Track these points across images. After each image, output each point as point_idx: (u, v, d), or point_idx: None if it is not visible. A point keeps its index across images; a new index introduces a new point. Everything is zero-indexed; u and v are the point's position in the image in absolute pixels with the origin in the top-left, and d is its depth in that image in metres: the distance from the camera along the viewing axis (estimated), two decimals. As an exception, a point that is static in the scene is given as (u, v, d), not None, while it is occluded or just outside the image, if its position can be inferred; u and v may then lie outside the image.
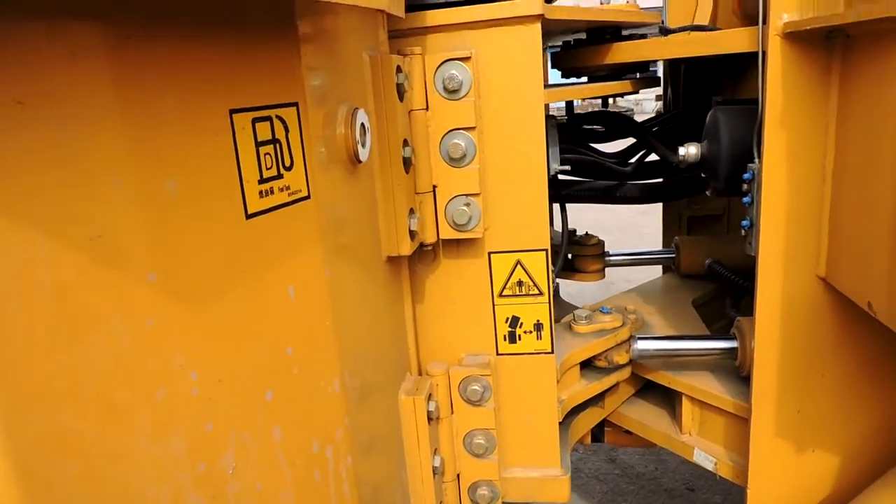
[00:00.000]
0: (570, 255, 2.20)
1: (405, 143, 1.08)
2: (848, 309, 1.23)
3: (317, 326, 0.83)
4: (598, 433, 2.02)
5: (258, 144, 0.71)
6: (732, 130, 1.37)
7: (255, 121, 0.70)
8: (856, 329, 1.28)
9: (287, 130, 0.75)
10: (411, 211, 1.12)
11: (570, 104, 1.98)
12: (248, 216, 0.70)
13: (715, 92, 1.98)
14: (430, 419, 1.20)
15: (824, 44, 1.13)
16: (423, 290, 1.30)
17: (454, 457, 1.31)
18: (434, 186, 1.17)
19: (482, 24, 1.14)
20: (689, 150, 1.48)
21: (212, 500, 0.66)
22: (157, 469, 0.60)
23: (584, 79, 1.81)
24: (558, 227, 1.82)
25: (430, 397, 1.21)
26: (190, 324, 0.63)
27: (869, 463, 1.38)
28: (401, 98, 1.06)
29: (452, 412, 1.29)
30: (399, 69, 1.04)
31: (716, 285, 2.11)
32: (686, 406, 1.59)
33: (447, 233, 1.19)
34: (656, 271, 2.47)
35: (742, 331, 1.44)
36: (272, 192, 0.73)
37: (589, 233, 2.20)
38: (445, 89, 1.13)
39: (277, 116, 0.74)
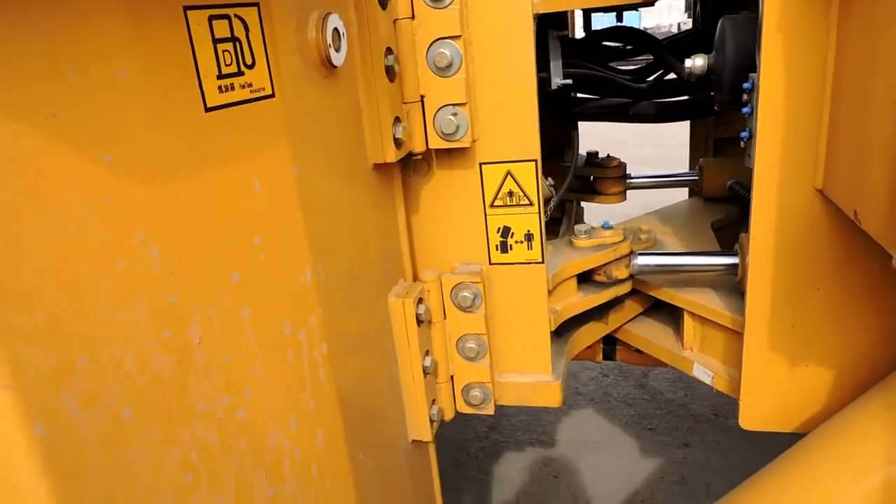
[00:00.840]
0: (591, 178, 2.20)
1: (388, 51, 1.11)
2: (845, 223, 1.21)
3: (285, 219, 0.89)
4: (609, 351, 2.07)
5: (215, 41, 0.75)
6: (737, 39, 1.33)
7: (211, 18, 0.75)
8: (853, 243, 1.26)
9: (247, 30, 0.80)
10: (397, 119, 1.15)
11: (588, 22, 1.94)
12: (208, 109, 0.75)
13: (742, 7, 1.90)
14: (419, 322, 1.27)
15: (827, -59, 1.08)
16: (418, 200, 1.34)
17: (447, 360, 1.38)
18: (422, 96, 1.19)
19: (468, -72, 1.13)
20: (696, 62, 1.45)
21: (178, 364, 0.75)
22: (122, 331, 0.68)
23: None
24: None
25: (420, 301, 1.27)
26: (149, 203, 0.70)
27: (863, 378, 1.37)
28: (383, 6, 1.08)
29: (445, 317, 1.35)
30: (381, -24, 1.06)
31: (738, 208, 2.07)
32: (688, 322, 1.61)
33: (436, 142, 1.22)
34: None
35: (743, 246, 1.44)
36: (232, 88, 0.78)
37: (610, 154, 2.18)
38: (432, -2, 1.14)
39: (236, 16, 0.78)
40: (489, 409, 1.42)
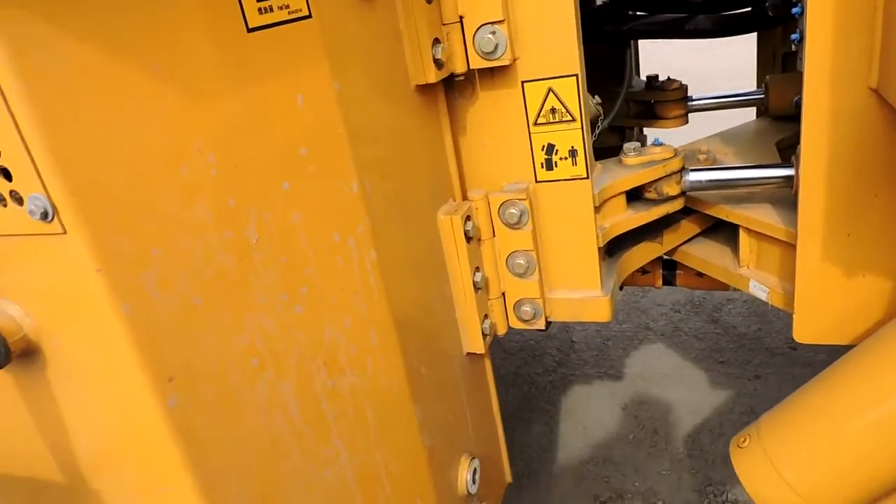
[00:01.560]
0: (652, 102, 2.17)
1: (422, -25, 1.15)
2: (903, 121, 1.17)
3: (329, 133, 0.97)
4: (669, 277, 2.07)
5: (255, -37, 0.83)
6: (789, -63, 1.28)
7: (248, -57, 0.82)
8: (915, 144, 1.22)
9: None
10: (436, 41, 1.20)
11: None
12: (250, 30, 0.83)
13: None
14: (468, 238, 1.33)
15: None
16: (465, 122, 1.39)
17: (498, 276, 1.44)
18: (461, 16, 1.23)
19: None
20: (748, -33, 1.40)
21: (239, 261, 0.85)
22: (189, 228, 0.79)
23: None
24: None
25: (468, 219, 1.34)
26: (203, 115, 0.79)
27: (925, 286, 1.34)
28: (417, -73, 1.12)
29: (494, 235, 1.41)
30: None
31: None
32: (743, 238, 1.60)
33: (477, 62, 1.26)
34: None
35: (799, 156, 1.41)
36: (271, 10, 0.85)
37: (671, 77, 2.14)
38: (467, -83, 1.16)
39: (271, -61, 0.85)
40: (540, 325, 1.48)
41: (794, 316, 1.45)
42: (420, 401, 1.22)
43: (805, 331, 1.45)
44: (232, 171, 0.83)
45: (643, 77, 2.17)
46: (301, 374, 0.96)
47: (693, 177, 1.55)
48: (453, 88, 1.36)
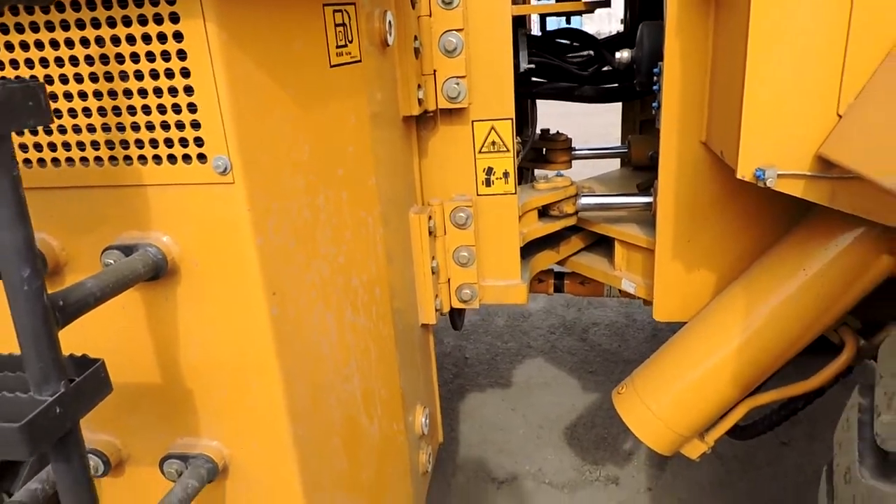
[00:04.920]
0: (543, 150, 2.75)
1: (415, 37, 1.62)
2: (720, 165, 1.79)
3: (363, 141, 1.39)
4: (559, 285, 2.62)
5: (336, 25, 1.25)
6: (650, 38, 1.90)
7: (333, 11, 1.24)
8: (728, 179, 1.83)
9: (349, 18, 1.29)
10: (419, 86, 1.66)
11: (543, 23, 2.49)
12: (331, 66, 1.25)
13: (660, 16, 2.48)
14: (430, 233, 1.78)
15: (705, -24, 1.64)
16: (427, 148, 1.85)
17: (446, 266, 1.89)
18: (434, 70, 1.70)
19: (469, -43, 1.65)
20: (623, 55, 2.02)
21: (314, 219, 1.24)
22: (292, 193, 1.17)
23: (552, 0, 2.32)
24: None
25: (430, 218, 1.78)
26: (305, 119, 1.19)
27: (738, 276, 1.96)
28: (413, 6, 1.59)
29: (445, 233, 1.86)
30: (412, -13, 1.57)
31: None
32: (618, 248, 2.17)
33: (443, 103, 1.74)
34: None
35: (656, 188, 2.00)
36: (343, 55, 1.28)
37: (559, 131, 2.74)
38: (443, 2, 1.65)
39: (344, 10, 1.28)
40: (475, 305, 1.94)
41: (654, 302, 2.01)
42: (398, 348, 1.62)
43: (662, 312, 2.02)
44: (315, 158, 1.23)
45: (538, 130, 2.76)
46: (338, 309, 1.35)
47: (584, 200, 2.11)
48: (421, 122, 1.82)
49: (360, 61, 1.34)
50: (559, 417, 3.38)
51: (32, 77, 1.03)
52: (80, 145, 1.07)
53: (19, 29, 1.00)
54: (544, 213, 2.10)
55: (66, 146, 1.07)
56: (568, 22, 2.55)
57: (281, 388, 1.19)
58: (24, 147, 1.07)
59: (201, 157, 1.05)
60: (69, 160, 1.08)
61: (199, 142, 1.04)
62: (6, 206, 0.80)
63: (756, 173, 1.38)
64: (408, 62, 1.60)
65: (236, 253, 1.10)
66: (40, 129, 1.06)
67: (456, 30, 1.67)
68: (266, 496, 1.27)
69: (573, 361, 3.90)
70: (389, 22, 1.46)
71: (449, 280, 1.92)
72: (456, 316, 2.56)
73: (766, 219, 1.81)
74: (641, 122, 2.89)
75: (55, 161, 1.09)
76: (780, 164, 1.38)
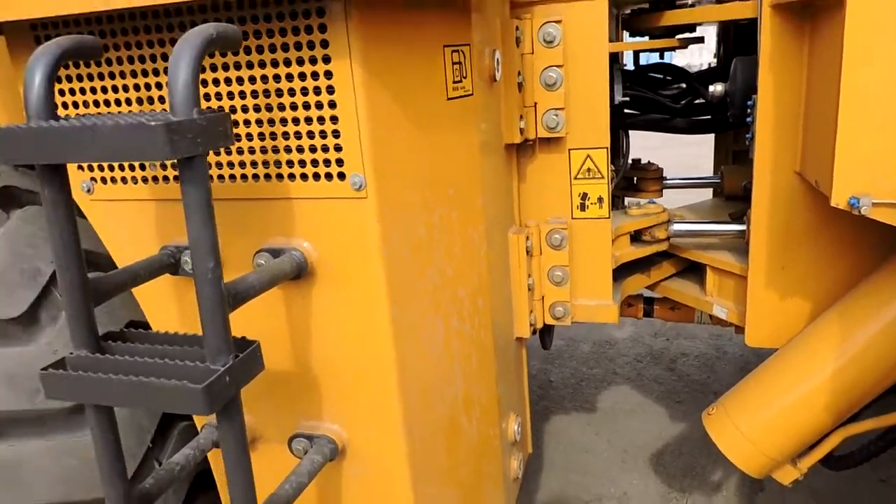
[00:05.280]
0: (635, 179, 2.83)
1: (518, 73, 1.77)
2: (814, 194, 1.82)
3: (472, 166, 1.54)
4: (649, 310, 2.67)
5: (453, 63, 1.42)
6: (744, 72, 1.98)
7: (451, 51, 1.41)
8: (822, 207, 1.86)
9: (464, 57, 1.46)
10: (521, 116, 1.81)
11: (637, 58, 2.60)
12: (448, 98, 1.42)
13: (753, 51, 2.53)
14: (527, 253, 1.90)
15: (800, 12, 1.71)
16: (525, 173, 1.99)
17: (541, 284, 2.01)
18: (535, 103, 1.85)
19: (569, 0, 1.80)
20: (717, 88, 2.10)
21: (428, 234, 1.40)
22: (411, 207, 1.34)
23: (647, 37, 2.42)
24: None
25: (527, 238, 1.91)
26: (425, 143, 1.36)
27: (832, 303, 1.96)
28: (517, 45, 1.75)
29: (541, 253, 1.98)
30: (517, 28, 1.73)
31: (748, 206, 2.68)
32: (710, 274, 2.22)
33: (542, 133, 1.87)
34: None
35: (749, 217, 2.05)
36: (458, 89, 1.45)
37: (651, 161, 2.81)
38: (545, 41, 1.80)
39: (460, 50, 1.45)
40: (567, 322, 2.04)
41: (746, 328, 2.05)
42: (497, 357, 1.75)
43: (754, 338, 2.04)
44: (431, 178, 1.40)
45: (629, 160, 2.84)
46: (446, 316, 1.50)
47: (676, 227, 2.18)
48: (521, 150, 1.96)
49: (471, 94, 1.50)
50: (645, 444, 3.38)
51: (220, 108, 1.25)
52: (242, 164, 1.28)
53: (213, 68, 1.23)
54: (636, 238, 2.18)
55: (231, 165, 1.29)
56: (661, 57, 2.65)
57: (396, 381, 1.34)
58: (219, 165, 1.29)
59: (341, 176, 1.23)
60: (232, 177, 1.29)
61: (339, 162, 1.22)
62: (200, 212, 0.99)
63: (850, 202, 1.42)
64: (512, 95, 1.75)
65: (365, 259, 1.27)
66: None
67: (556, 66, 1.81)
68: (378, 478, 1.42)
69: (660, 390, 3.88)
70: (497, 59, 1.63)
71: (543, 297, 2.03)
72: (546, 335, 2.66)
73: (862, 246, 1.83)
74: (734, 153, 2.91)
75: (220, 178, 1.30)
76: (874, 192, 1.41)
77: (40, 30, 1.33)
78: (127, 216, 1.43)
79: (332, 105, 1.19)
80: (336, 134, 1.21)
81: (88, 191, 1.43)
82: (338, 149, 1.22)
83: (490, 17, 1.63)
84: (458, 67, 1.45)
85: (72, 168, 1.44)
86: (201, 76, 1.23)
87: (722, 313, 2.19)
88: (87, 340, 1.13)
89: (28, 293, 1.51)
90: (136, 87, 1.30)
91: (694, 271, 2.42)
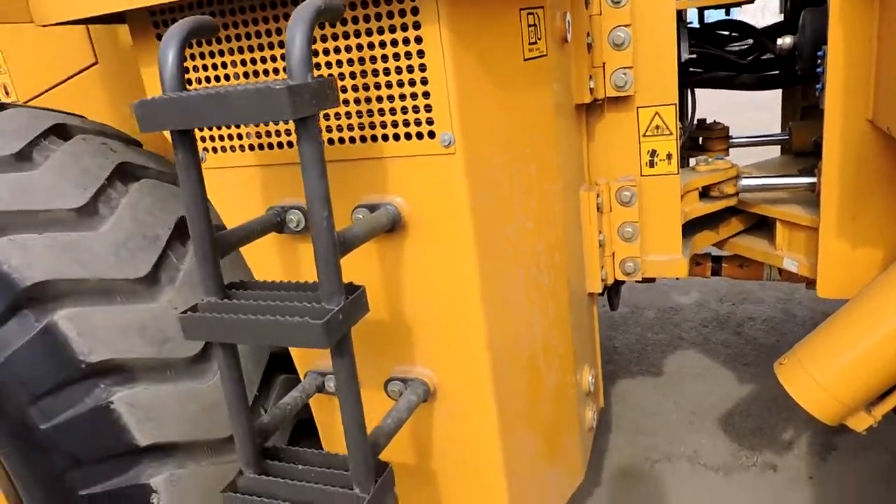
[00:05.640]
0: (700, 139, 2.84)
1: (587, 34, 1.83)
2: (886, 142, 1.83)
3: (547, 125, 1.62)
4: (717, 268, 2.70)
5: (528, 25, 1.50)
6: (813, 24, 1.98)
7: (527, 13, 1.49)
8: (894, 156, 1.86)
9: (538, 19, 1.54)
10: (590, 77, 1.87)
11: (701, 16, 2.60)
12: (525, 60, 1.50)
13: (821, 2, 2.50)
14: (598, 209, 1.98)
15: (871, -42, 1.71)
16: (594, 132, 2.05)
17: (611, 240, 2.08)
18: (603, 63, 1.91)
19: (635, -41, 1.84)
20: (785, 41, 2.10)
21: (510, 188, 1.49)
22: (493, 163, 1.43)
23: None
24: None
25: (598, 196, 1.98)
26: (505, 103, 1.44)
27: (906, 254, 1.96)
28: (586, 6, 1.81)
29: (611, 210, 2.05)
30: (585, -10, 1.79)
31: (818, 160, 2.66)
32: (779, 228, 2.24)
33: (611, 92, 1.93)
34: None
35: (819, 169, 2.06)
36: (533, 50, 1.53)
37: (716, 120, 2.82)
38: (612, 1, 1.85)
39: (535, 12, 1.52)
40: (637, 277, 2.11)
41: (818, 280, 2.06)
42: (572, 310, 1.84)
43: (826, 289, 2.06)
44: (510, 136, 1.48)
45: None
46: (525, 267, 1.59)
47: (745, 181, 2.21)
48: (589, 109, 2.03)
49: (545, 55, 1.58)
50: (712, 406, 3.41)
51: (329, 75, 1.36)
52: (339, 128, 1.40)
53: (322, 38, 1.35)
54: (705, 194, 2.22)
55: (329, 129, 1.41)
56: (727, 14, 2.64)
57: (484, 328, 1.45)
58: None
59: (431, 134, 1.33)
60: (330, 140, 1.41)
61: (429, 122, 1.33)
62: (315, 166, 1.12)
63: (925, 143, 1.44)
64: (581, 56, 1.82)
65: (454, 212, 1.37)
66: (311, 117, 1.40)
67: (624, 25, 1.86)
68: (467, 419, 1.54)
69: (727, 354, 3.89)
70: (568, 21, 1.69)
71: (613, 254, 2.10)
72: (613, 296, 2.72)
73: (938, 192, 1.83)
74: (803, 109, 2.88)
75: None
76: (950, 133, 1.43)
77: (158, 15, 1.47)
78: (236, 181, 1.57)
79: (423, 68, 1.29)
80: (426, 95, 1.31)
81: (202, 160, 1.58)
82: (427, 109, 1.32)
83: (559, -20, 1.69)
84: (532, 29, 1.52)
85: (184, 140, 1.59)
86: (319, 46, 1.34)
87: (793, 266, 2.21)
88: (216, 288, 1.27)
89: (150, 256, 1.67)
90: (243, 63, 1.44)
91: (762, 227, 2.43)
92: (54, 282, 1.53)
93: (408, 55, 1.29)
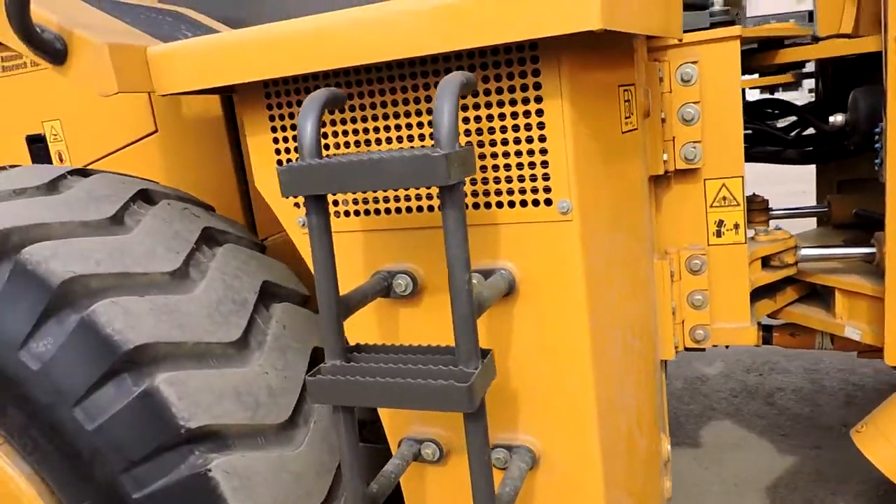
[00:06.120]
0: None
1: (661, 110, 1.92)
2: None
3: (637, 197, 1.68)
4: (767, 337, 2.72)
5: (624, 101, 1.58)
6: (867, 101, 2.09)
7: (623, 89, 1.57)
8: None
9: (631, 95, 1.62)
10: (663, 150, 1.95)
11: (743, 95, 2.74)
12: (622, 133, 1.57)
13: (853, 82, 2.65)
14: (671, 277, 2.01)
15: (927, 42, 1.83)
16: (661, 203, 2.11)
17: (681, 308, 2.11)
18: (673, 137, 1.99)
19: (705, 42, 1.95)
20: (837, 118, 2.21)
21: (612, 254, 1.53)
22: (601, 230, 1.47)
23: (756, 75, 2.56)
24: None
25: (670, 264, 2.02)
26: (607, 174, 1.50)
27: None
28: (661, 83, 1.90)
29: (680, 278, 2.09)
30: (659, 70, 1.89)
31: (860, 232, 2.74)
32: (839, 297, 2.28)
33: (680, 164, 2.00)
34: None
35: (879, 239, 2.12)
36: (628, 124, 1.60)
37: (755, 193, 2.91)
38: (682, 80, 1.95)
39: (629, 89, 1.60)
40: (707, 344, 2.12)
41: (886, 347, 2.09)
42: (655, 374, 1.84)
43: (894, 356, 2.08)
44: (612, 205, 1.53)
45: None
46: (622, 330, 1.61)
47: (804, 251, 2.26)
48: (656, 181, 2.09)
49: (636, 129, 1.65)
50: (756, 478, 3.35)
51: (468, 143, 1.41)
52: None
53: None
54: (765, 263, 2.27)
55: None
56: (771, 93, 2.78)
57: (593, 392, 1.45)
58: (418, 196, 1.46)
59: (548, 202, 1.38)
60: (443, 207, 1.45)
61: (547, 189, 1.37)
62: (458, 231, 1.15)
63: None
64: (656, 130, 1.90)
65: (568, 277, 1.40)
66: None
67: (693, 102, 1.96)
68: (572, 488, 1.52)
69: (763, 425, 3.85)
70: (650, 97, 1.78)
71: (683, 321, 2.12)
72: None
73: None
74: (839, 183, 2.99)
75: (430, 208, 1.46)
76: None
77: (271, 86, 1.54)
78: (338, 246, 1.60)
79: (542, 139, 1.35)
80: (544, 164, 1.36)
81: (304, 225, 1.61)
82: (545, 178, 1.37)
83: (640, 59, 1.79)
84: (627, 105, 1.60)
85: (287, 205, 1.63)
86: (427, 118, 1.40)
87: (855, 335, 2.24)
88: (339, 351, 1.28)
89: (241, 319, 1.67)
90: (355, 132, 1.49)
91: (813, 296, 2.48)
92: (154, 345, 1.52)
93: (528, 126, 1.35)
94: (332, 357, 1.28)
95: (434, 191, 1.45)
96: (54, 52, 1.45)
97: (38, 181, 1.79)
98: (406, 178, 1.12)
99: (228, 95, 2.55)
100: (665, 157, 1.94)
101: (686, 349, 2.19)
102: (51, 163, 2.88)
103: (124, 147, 2.83)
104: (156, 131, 2.79)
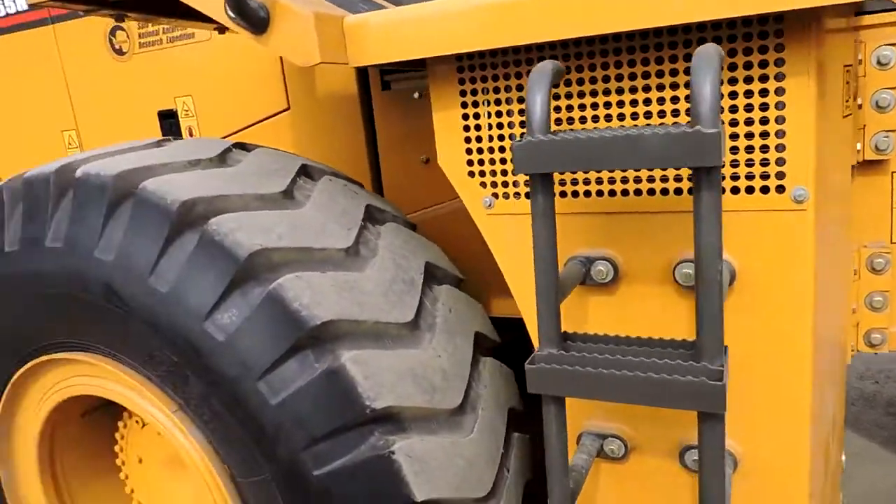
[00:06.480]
0: None
1: (854, 97, 1.77)
2: None
3: (847, 188, 1.55)
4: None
5: (845, 83, 1.45)
6: None
7: (846, 70, 1.44)
8: None
9: (851, 77, 1.49)
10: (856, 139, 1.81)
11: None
12: (843, 116, 1.44)
13: None
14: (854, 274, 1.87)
15: None
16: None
17: (858, 309, 1.96)
18: (864, 125, 1.84)
19: (906, 21, 1.80)
20: None
21: (833, 244, 1.41)
22: (830, 219, 1.35)
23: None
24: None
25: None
26: (832, 161, 1.38)
27: None
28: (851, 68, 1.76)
29: (860, 278, 1.94)
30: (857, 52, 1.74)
31: None
32: None
33: (870, 155, 1.85)
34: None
35: None
36: (847, 108, 1.47)
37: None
38: (879, 63, 1.80)
39: (850, 70, 1.47)
40: (884, 349, 1.97)
41: None
42: (844, 379, 1.72)
43: None
44: (835, 190, 1.41)
45: None
46: (832, 327, 1.49)
47: None
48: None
49: (851, 115, 1.52)
50: (886, 490, 3.16)
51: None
52: (678, 178, 1.34)
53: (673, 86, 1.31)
54: (945, 264, 2.09)
55: (664, 179, 1.35)
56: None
57: (810, 397, 1.34)
58: (637, 179, 1.37)
59: (779, 188, 1.27)
60: (664, 191, 1.36)
61: (780, 175, 1.27)
62: (712, 217, 1.06)
63: None
64: (856, 117, 1.76)
65: (796, 270, 1.29)
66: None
67: (889, 88, 1.80)
68: (774, 492, 1.42)
69: (885, 435, 3.64)
70: (848, 82, 1.64)
71: (858, 324, 1.98)
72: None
73: None
74: None
75: (650, 191, 1.37)
76: None
77: (465, 60, 1.47)
78: (518, 228, 1.53)
79: (780, 120, 1.24)
80: (780, 148, 1.25)
81: (489, 206, 1.55)
82: (779, 162, 1.26)
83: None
84: (847, 86, 1.47)
85: (472, 185, 1.57)
86: (673, 92, 1.31)
87: None
88: (557, 339, 1.21)
89: (412, 300, 1.63)
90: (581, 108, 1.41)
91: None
92: (338, 322, 1.49)
93: (763, 106, 1.25)
94: (547, 345, 1.21)
95: (657, 173, 1.36)
96: (258, 20, 1.41)
97: (209, 153, 1.79)
98: (666, 157, 1.04)
99: (364, 73, 2.52)
100: (859, 146, 1.80)
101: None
102: (181, 137, 2.92)
103: (255, 123, 2.85)
104: (287, 108, 2.79)
